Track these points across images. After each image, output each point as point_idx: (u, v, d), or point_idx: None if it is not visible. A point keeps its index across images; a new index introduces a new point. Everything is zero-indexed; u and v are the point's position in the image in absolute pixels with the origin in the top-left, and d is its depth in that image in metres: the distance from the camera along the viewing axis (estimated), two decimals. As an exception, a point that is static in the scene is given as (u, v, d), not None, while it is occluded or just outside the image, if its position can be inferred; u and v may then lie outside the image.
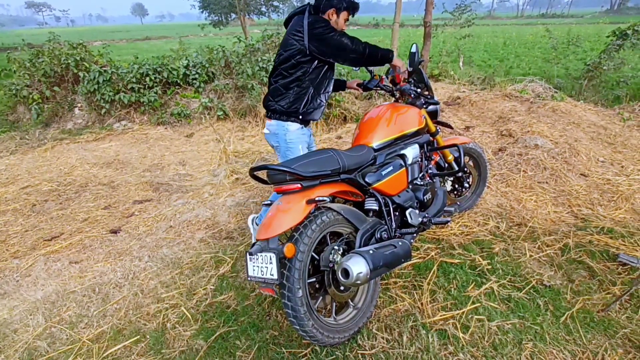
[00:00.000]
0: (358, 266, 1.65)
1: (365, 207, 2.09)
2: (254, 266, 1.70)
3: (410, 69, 2.39)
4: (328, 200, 1.80)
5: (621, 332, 1.86)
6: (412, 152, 2.30)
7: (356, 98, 6.81)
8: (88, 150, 5.48)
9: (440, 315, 2.00)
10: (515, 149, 4.01)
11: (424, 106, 2.50)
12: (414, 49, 2.42)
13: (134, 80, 6.53)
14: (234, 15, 18.31)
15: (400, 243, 1.90)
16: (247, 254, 1.72)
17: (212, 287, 2.40)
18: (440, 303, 2.12)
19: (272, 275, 1.63)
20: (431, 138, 2.57)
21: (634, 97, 6.25)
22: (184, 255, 2.81)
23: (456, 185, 3.00)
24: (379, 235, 1.99)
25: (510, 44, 16.50)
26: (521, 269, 2.36)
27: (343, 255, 1.84)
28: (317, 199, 1.76)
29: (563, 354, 1.76)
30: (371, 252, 1.74)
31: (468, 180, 3.00)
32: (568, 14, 58.37)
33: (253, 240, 2.52)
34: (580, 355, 1.76)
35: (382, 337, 1.88)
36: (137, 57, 7.12)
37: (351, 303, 1.96)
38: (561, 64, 7.31)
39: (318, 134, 6.16)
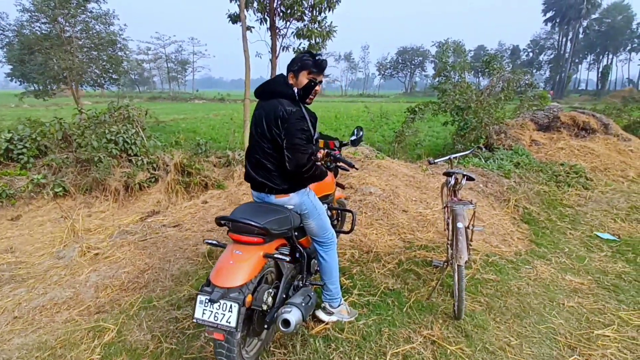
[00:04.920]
0: (297, 317, 1.93)
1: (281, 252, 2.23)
2: (206, 310, 1.75)
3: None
4: (288, 259, 1.98)
5: (439, 309, 2.68)
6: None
7: (215, 166, 7.16)
8: None
9: (322, 326, 2.46)
10: (357, 196, 5.03)
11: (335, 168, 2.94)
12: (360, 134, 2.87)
13: None
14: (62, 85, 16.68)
15: (312, 293, 2.23)
16: (200, 295, 1.76)
17: (97, 356, 2.29)
18: (319, 318, 2.58)
19: (229, 322, 1.71)
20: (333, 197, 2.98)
21: (429, 154, 8.51)
22: (49, 337, 2.55)
23: None
24: (296, 283, 2.32)
25: (340, 117, 19.85)
26: (373, 281, 3.07)
27: (274, 298, 2.05)
28: (275, 255, 1.94)
29: (407, 331, 2.44)
30: (304, 304, 2.02)
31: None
32: (379, 94, 73.31)
33: None
34: (418, 330, 2.46)
35: (280, 352, 2.21)
36: None
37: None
38: (379, 133, 9.42)
39: (179, 202, 6.16)
